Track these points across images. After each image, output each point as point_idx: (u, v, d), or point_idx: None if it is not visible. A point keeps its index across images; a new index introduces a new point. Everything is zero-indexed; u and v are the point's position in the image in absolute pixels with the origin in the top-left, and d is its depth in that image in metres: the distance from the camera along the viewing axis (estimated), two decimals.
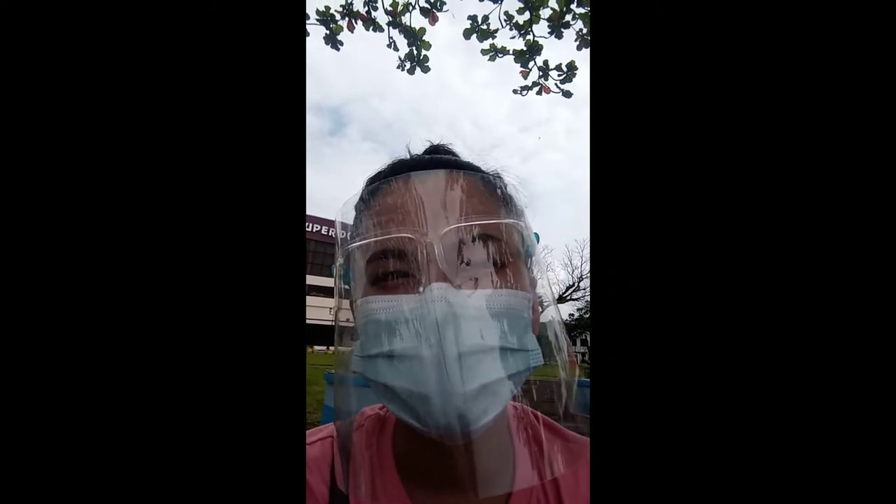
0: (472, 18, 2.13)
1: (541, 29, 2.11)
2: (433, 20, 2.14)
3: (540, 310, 0.39)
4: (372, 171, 0.43)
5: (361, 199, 0.40)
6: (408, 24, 2.15)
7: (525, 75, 2.22)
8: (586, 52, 2.07)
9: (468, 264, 0.34)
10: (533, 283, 0.38)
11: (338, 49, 2.17)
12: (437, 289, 0.31)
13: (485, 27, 2.14)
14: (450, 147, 0.46)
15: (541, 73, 2.20)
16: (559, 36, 2.09)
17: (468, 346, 0.31)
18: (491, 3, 2.08)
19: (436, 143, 0.47)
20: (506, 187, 0.40)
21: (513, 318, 0.34)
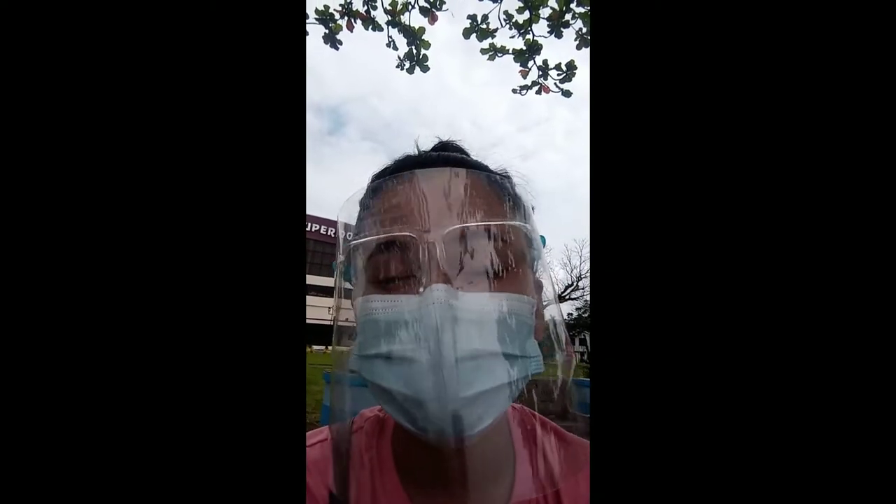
0: (472, 18, 2.12)
1: (540, 28, 2.11)
2: (432, 19, 2.13)
3: (545, 315, 0.38)
4: (371, 169, 0.43)
5: (365, 195, 0.39)
6: (407, 23, 2.15)
7: (524, 75, 2.22)
8: (586, 51, 2.07)
9: (471, 266, 0.33)
10: (538, 287, 0.37)
11: (337, 48, 2.17)
12: (437, 290, 0.31)
13: (484, 26, 2.13)
14: (459, 143, 0.45)
15: (540, 73, 2.20)
16: (559, 35, 2.08)
17: (466, 351, 0.30)
18: (490, 2, 2.08)
19: (444, 139, 0.46)
20: (514, 187, 0.39)
21: (515, 324, 0.33)
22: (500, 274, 0.33)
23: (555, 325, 0.37)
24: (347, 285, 0.38)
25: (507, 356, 0.32)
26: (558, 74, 2.18)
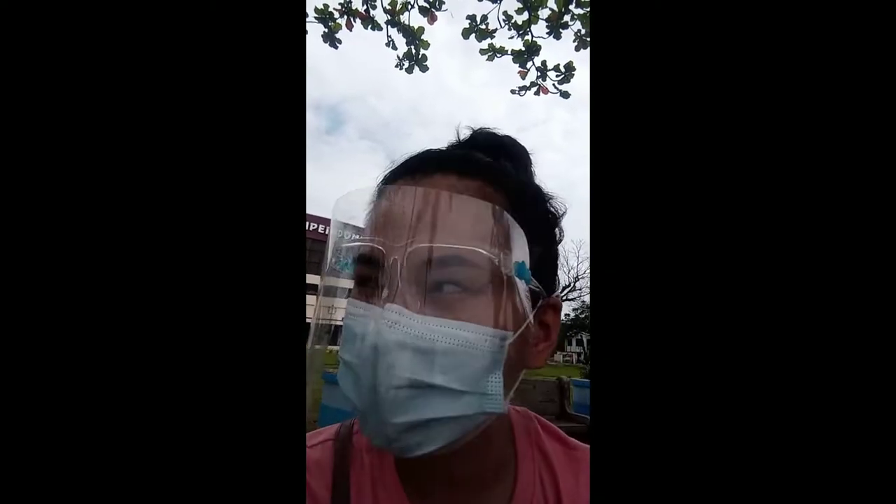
0: (471, 18, 2.12)
1: (539, 29, 2.11)
2: (432, 19, 2.13)
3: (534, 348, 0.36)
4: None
5: (372, 195, 0.38)
6: (406, 23, 2.15)
7: (523, 75, 2.22)
8: (584, 52, 2.07)
9: (434, 289, 0.31)
10: (518, 319, 0.33)
11: (336, 47, 2.16)
12: (389, 311, 0.30)
13: (483, 27, 2.14)
14: (494, 131, 0.43)
15: (539, 74, 2.21)
16: (557, 36, 2.09)
17: (402, 379, 0.29)
18: (490, 2, 2.08)
19: (477, 129, 0.43)
20: (509, 215, 0.34)
21: (467, 356, 0.30)
22: (464, 301, 0.31)
23: None
24: (343, 283, 0.37)
25: (451, 391, 0.30)
26: (557, 75, 2.19)
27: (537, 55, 2.18)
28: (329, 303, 0.37)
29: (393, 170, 0.40)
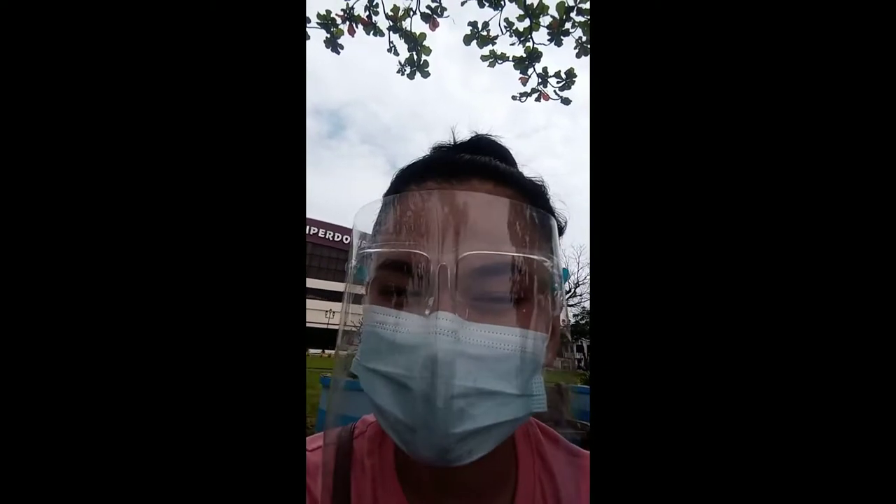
0: (473, 25, 2.14)
1: (540, 36, 2.13)
2: (434, 26, 2.15)
3: (561, 352, 0.37)
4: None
5: (388, 200, 0.37)
6: (408, 29, 2.16)
7: (524, 82, 2.23)
8: (585, 59, 2.08)
9: (482, 296, 0.31)
10: (554, 322, 0.35)
11: (338, 53, 2.18)
12: (443, 319, 0.29)
13: (485, 33, 2.15)
14: (496, 138, 0.42)
15: (540, 80, 2.22)
16: (558, 43, 2.10)
17: (462, 388, 0.29)
18: (491, 9, 2.09)
19: (480, 133, 0.43)
20: (546, 203, 0.36)
21: (520, 361, 0.31)
22: (513, 307, 0.31)
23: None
24: (359, 289, 0.37)
25: (507, 395, 0.30)
26: (558, 82, 2.20)
27: (538, 62, 2.19)
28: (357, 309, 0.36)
29: (411, 173, 0.39)
